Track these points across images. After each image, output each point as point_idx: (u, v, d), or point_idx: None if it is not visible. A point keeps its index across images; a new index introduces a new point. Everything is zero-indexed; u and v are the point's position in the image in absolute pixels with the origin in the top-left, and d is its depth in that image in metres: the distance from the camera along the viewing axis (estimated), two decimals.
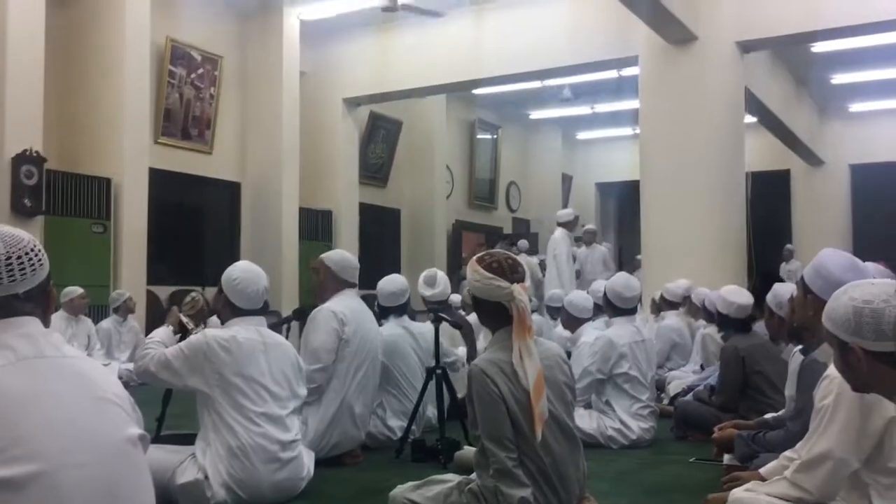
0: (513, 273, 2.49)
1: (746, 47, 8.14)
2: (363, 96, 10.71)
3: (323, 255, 4.21)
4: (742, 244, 8.40)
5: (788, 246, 13.47)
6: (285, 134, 9.90)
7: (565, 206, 16.23)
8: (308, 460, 3.39)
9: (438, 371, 4.06)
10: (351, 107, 10.85)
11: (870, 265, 4.56)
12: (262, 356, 3.24)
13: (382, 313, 4.61)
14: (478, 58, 9.50)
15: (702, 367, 5.86)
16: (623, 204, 16.71)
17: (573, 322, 5.06)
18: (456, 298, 8.28)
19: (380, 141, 12.05)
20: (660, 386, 5.85)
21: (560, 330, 6.42)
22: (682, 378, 6.04)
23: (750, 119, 9.69)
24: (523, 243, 12.39)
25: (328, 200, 10.80)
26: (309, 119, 10.42)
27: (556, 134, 15.52)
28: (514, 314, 2.44)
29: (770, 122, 11.29)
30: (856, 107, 13.39)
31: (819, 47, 10.10)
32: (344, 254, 4.27)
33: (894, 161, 13.73)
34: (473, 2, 9.32)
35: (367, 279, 12.10)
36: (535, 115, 14.60)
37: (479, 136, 14.24)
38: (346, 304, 4.03)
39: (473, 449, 3.25)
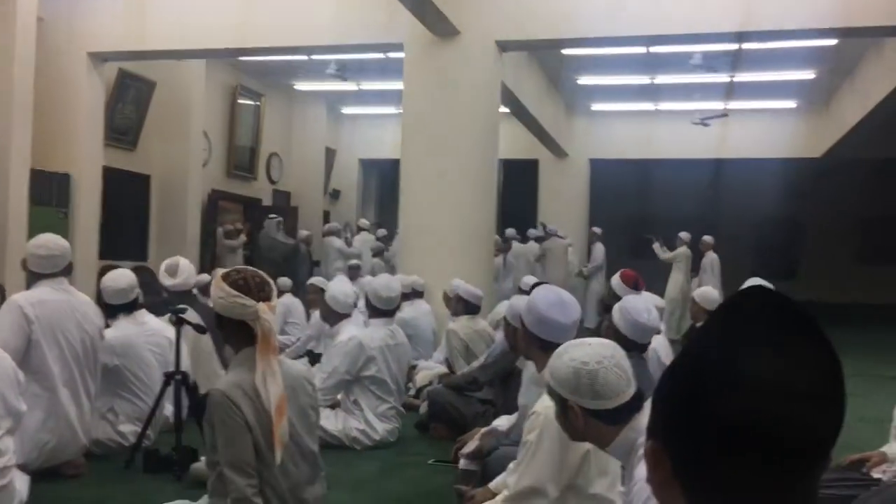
0: (259, 291, 2.42)
1: (504, 46, 8.51)
2: (112, 52, 9.81)
3: (29, 243, 3.81)
4: (492, 227, 8.88)
5: (594, 229, 13.49)
6: (17, 87, 8.78)
7: (328, 179, 16.17)
8: (21, 485, 3.06)
9: (178, 377, 3.84)
10: (97, 62, 9.90)
11: (615, 278, 4.96)
12: None
13: (110, 312, 4.23)
14: (242, 27, 9.05)
15: (447, 362, 6.07)
16: (385, 181, 16.94)
17: (333, 316, 4.97)
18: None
19: (129, 101, 11.16)
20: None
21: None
22: (429, 369, 6.25)
23: (504, 110, 10.18)
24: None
25: (66, 163, 9.82)
26: (46, 72, 9.36)
27: (322, 107, 15.29)
28: (258, 333, 2.37)
29: (522, 114, 11.94)
30: (597, 106, 14.53)
31: (568, 50, 10.82)
32: (44, 239, 3.82)
33: (627, 158, 15.15)
34: None
35: (113, 250, 11.23)
36: (301, 86, 14.28)
37: (240, 102, 13.66)
38: (38, 297, 3.66)
39: None
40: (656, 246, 12.56)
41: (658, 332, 5.44)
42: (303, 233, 13.03)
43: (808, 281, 17.71)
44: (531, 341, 2.55)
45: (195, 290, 5.45)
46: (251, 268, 2.60)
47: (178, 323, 3.83)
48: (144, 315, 4.44)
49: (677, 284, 11.79)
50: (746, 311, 0.77)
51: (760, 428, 0.71)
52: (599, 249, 13.26)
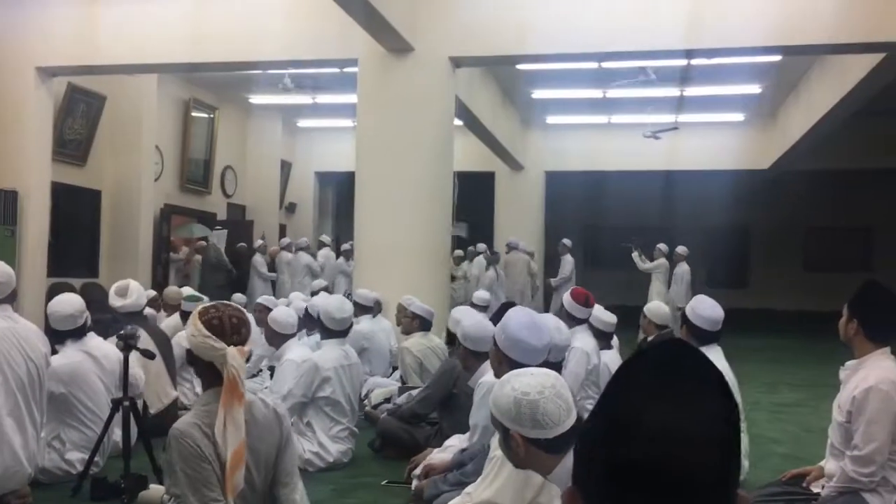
0: (233, 334, 2.36)
1: (458, 62, 8.57)
2: (61, 67, 9.65)
3: None
4: (447, 241, 8.90)
5: (564, 241, 13.52)
6: None
7: (283, 193, 16.09)
8: None
9: (126, 403, 3.79)
10: (45, 77, 9.73)
11: (566, 296, 5.00)
12: None
13: (57, 337, 4.14)
14: (195, 41, 8.96)
15: (402, 380, 6.08)
16: (341, 194, 16.90)
17: (276, 338, 4.98)
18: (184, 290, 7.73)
19: (79, 116, 10.98)
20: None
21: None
22: (384, 386, 6.23)
23: (458, 123, 10.24)
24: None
25: (13, 179, 9.62)
26: None
27: (277, 120, 15.21)
28: (224, 378, 2.32)
29: (477, 128, 12.02)
30: (552, 119, 14.69)
31: (523, 65, 10.93)
32: None
33: (582, 170, 15.33)
34: None
35: (63, 267, 11.01)
36: (256, 99, 14.18)
37: (194, 115, 13.52)
38: None
39: (160, 488, 3.08)
40: (635, 255, 12.66)
41: (610, 346, 5.53)
42: (275, 248, 13.13)
43: (759, 290, 18.11)
44: (503, 362, 2.59)
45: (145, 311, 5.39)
46: (232, 305, 2.49)
47: (126, 349, 3.77)
48: (93, 339, 4.36)
49: (660, 295, 11.82)
50: (648, 363, 0.84)
51: (653, 473, 0.78)
52: (568, 261, 13.36)
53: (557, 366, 2.80)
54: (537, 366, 2.20)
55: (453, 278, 12.04)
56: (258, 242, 13.02)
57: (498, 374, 2.74)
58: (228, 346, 2.33)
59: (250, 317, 8.19)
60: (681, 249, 12.29)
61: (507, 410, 1.90)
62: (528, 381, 1.92)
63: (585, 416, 3.36)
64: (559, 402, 1.89)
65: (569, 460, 1.89)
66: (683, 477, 0.78)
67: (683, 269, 12.16)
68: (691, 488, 0.78)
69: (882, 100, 10.23)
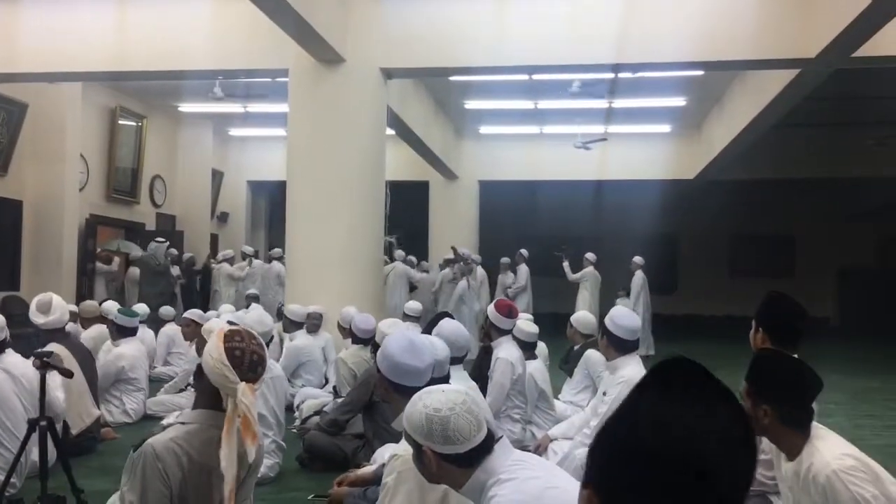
0: (249, 371, 2.31)
1: (389, 73, 8.61)
2: None
3: None
4: (380, 250, 8.91)
5: (521, 251, 13.30)
6: None
7: (215, 202, 15.86)
8: None
9: (43, 423, 3.70)
10: None
11: (490, 307, 5.05)
12: None
13: None
14: (120, 50, 8.80)
15: (334, 390, 6.07)
16: (274, 203, 16.74)
17: None
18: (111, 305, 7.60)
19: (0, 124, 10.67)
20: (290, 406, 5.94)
21: None
22: (315, 398, 6.22)
23: (391, 132, 10.27)
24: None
25: None
26: None
27: (207, 128, 14.99)
28: (228, 408, 2.27)
29: (410, 138, 12.07)
30: (485, 129, 14.85)
31: (455, 77, 11.03)
32: None
33: (515, 180, 15.54)
34: None
35: None
36: (185, 107, 13.96)
37: (121, 123, 13.23)
38: None
39: None
40: (566, 265, 12.81)
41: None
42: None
43: (688, 295, 18.61)
44: (389, 388, 2.61)
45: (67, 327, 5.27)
46: (257, 339, 2.42)
47: (44, 367, 3.68)
48: (11, 356, 4.24)
49: (585, 304, 11.97)
50: (671, 376, 0.98)
51: (686, 463, 0.91)
52: (524, 271, 13.44)
53: (442, 381, 2.78)
54: (424, 385, 2.24)
55: (413, 288, 12.04)
56: (230, 253, 13.15)
57: (384, 399, 2.76)
58: (241, 380, 2.28)
59: (178, 328, 8.04)
60: (637, 259, 12.46)
61: (419, 427, 1.94)
62: (439, 397, 1.96)
63: (508, 426, 3.43)
64: (469, 418, 1.93)
65: (480, 474, 1.94)
66: (709, 468, 0.91)
67: (639, 277, 12.37)
68: (714, 479, 0.91)
69: (799, 113, 10.67)
